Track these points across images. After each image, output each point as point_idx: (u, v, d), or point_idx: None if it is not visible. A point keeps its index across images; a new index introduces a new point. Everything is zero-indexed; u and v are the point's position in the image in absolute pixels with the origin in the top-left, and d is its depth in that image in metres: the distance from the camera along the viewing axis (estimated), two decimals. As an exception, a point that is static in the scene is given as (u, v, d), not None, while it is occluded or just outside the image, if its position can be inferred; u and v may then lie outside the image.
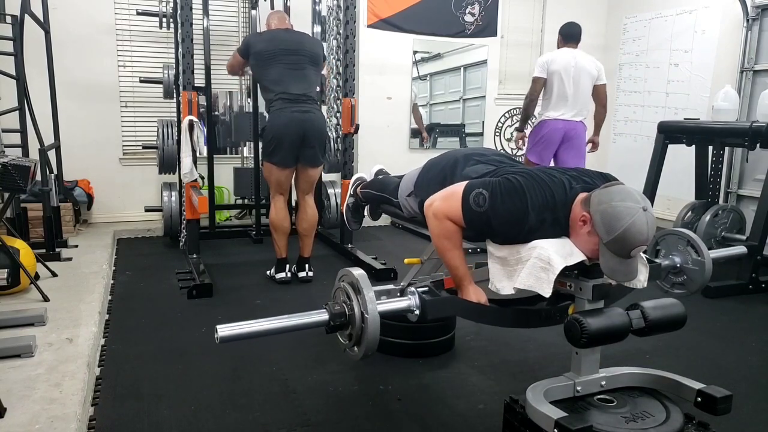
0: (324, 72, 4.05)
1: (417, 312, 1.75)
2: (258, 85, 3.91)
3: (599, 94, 4.30)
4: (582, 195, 1.73)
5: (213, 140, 4.74)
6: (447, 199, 1.84)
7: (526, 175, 1.79)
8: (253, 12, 4.93)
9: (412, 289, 1.78)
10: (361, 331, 1.59)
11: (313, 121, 3.48)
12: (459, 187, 1.83)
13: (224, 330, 1.51)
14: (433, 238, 1.90)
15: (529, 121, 4.46)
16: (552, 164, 4.35)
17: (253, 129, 4.79)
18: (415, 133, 5.92)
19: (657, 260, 2.13)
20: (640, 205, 1.60)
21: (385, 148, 5.60)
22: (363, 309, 1.58)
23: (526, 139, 4.53)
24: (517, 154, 6.27)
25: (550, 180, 1.77)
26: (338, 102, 4.38)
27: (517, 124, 6.15)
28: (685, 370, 1.97)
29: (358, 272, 1.63)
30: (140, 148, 5.00)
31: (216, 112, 4.97)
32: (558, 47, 4.34)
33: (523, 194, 1.72)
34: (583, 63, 4.22)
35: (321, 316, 1.64)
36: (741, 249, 2.44)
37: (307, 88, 3.50)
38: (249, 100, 5.03)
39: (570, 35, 4.28)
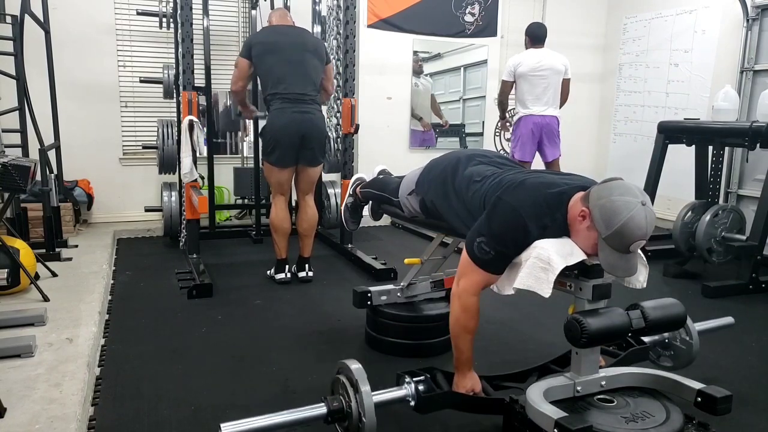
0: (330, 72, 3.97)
1: (412, 403, 1.83)
2: (258, 80, 3.87)
3: (563, 88, 4.70)
4: (580, 193, 1.73)
5: (212, 137, 4.74)
6: (466, 275, 1.85)
7: (508, 187, 1.81)
8: (253, 12, 4.93)
9: (408, 379, 1.85)
10: (358, 428, 1.68)
11: (312, 121, 3.47)
12: (464, 257, 1.85)
13: (228, 429, 1.60)
14: (451, 322, 1.92)
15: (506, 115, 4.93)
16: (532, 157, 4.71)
17: (254, 131, 4.79)
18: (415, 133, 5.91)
19: (646, 340, 2.20)
20: (639, 199, 1.60)
21: (385, 148, 5.59)
22: (361, 408, 1.66)
23: (509, 125, 4.97)
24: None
25: (538, 181, 1.79)
26: (338, 102, 4.39)
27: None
28: (685, 370, 1.97)
29: (354, 366, 1.72)
30: (140, 148, 5.00)
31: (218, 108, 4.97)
32: (526, 48, 4.65)
33: (513, 209, 1.74)
34: (551, 61, 4.57)
35: (319, 410, 1.72)
36: (728, 320, 2.51)
37: (307, 87, 3.48)
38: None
39: (536, 37, 4.61)
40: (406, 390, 1.82)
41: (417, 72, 5.79)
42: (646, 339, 2.18)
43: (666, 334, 2.22)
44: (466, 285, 1.84)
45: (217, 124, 5.29)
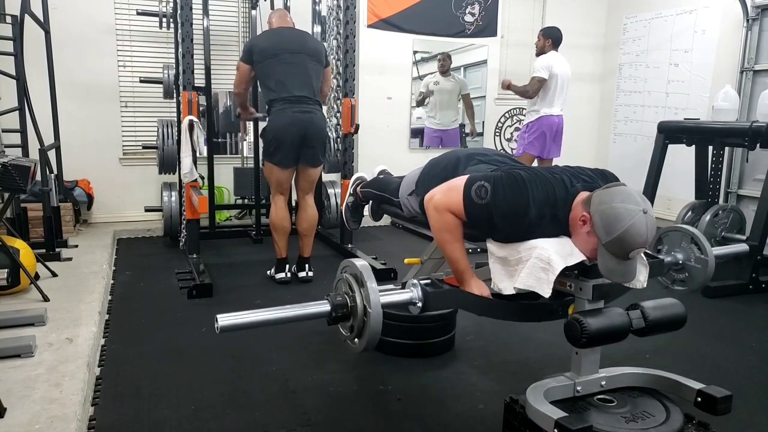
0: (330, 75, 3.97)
1: (419, 304, 1.73)
2: (258, 83, 3.89)
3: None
4: (583, 194, 1.73)
5: (212, 137, 4.74)
6: (448, 192, 1.84)
7: (528, 171, 1.80)
8: (253, 12, 4.93)
9: (414, 281, 1.76)
10: (363, 324, 1.57)
11: (313, 121, 3.48)
12: (460, 180, 1.83)
13: (224, 319, 1.49)
14: (433, 231, 1.89)
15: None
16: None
17: (254, 131, 4.78)
18: (415, 134, 5.92)
19: (660, 256, 2.12)
20: (641, 207, 1.60)
21: (385, 148, 5.60)
22: (366, 301, 1.55)
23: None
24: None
25: (551, 177, 1.78)
26: (338, 102, 4.39)
27: (517, 124, 6.18)
28: (685, 370, 1.97)
29: (360, 263, 1.61)
30: (140, 148, 5.00)
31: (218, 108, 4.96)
32: (545, 50, 4.75)
33: (525, 188, 1.72)
34: (567, 65, 4.80)
35: (323, 307, 1.61)
36: (743, 247, 2.43)
37: (308, 90, 3.48)
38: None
39: (558, 40, 4.78)
40: (413, 292, 1.73)
41: (443, 71, 5.86)
42: (661, 257, 2.09)
43: (680, 255, 2.12)
44: (443, 201, 1.82)
45: (217, 124, 5.30)
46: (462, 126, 6.03)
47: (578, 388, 1.77)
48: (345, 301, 1.61)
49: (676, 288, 2.17)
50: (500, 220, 1.74)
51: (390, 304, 1.68)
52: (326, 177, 4.94)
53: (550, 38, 4.73)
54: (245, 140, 5.42)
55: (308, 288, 3.61)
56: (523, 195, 1.71)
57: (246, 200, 5.32)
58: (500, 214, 1.73)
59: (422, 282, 1.76)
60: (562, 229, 1.75)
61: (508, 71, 6.19)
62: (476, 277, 1.88)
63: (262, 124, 3.89)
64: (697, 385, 1.76)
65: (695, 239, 2.06)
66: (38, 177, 3.47)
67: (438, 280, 1.85)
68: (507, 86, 4.82)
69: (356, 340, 1.61)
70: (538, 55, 4.78)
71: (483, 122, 6.13)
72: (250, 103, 4.12)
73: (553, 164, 4.68)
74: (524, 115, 4.87)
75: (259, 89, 3.85)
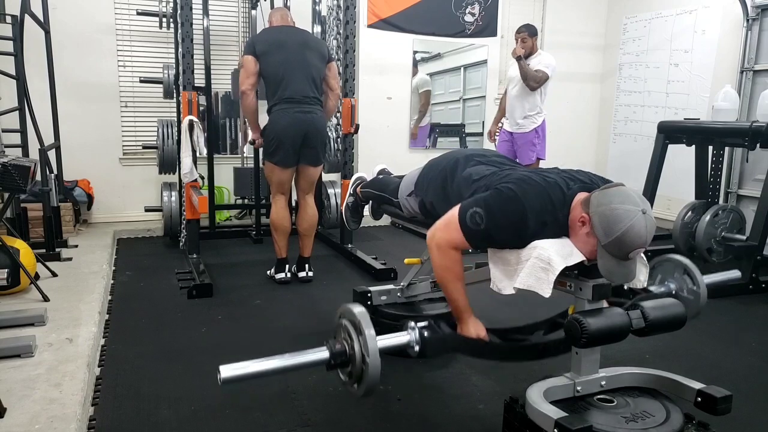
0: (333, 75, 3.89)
1: (417, 348, 1.76)
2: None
3: None
4: (582, 195, 1.73)
5: (212, 137, 4.74)
6: (446, 228, 1.84)
7: (519, 181, 1.79)
8: (253, 12, 4.94)
9: (413, 324, 1.79)
10: (361, 371, 1.61)
11: (314, 121, 3.47)
12: (454, 213, 1.83)
13: (227, 371, 1.52)
14: (435, 270, 1.90)
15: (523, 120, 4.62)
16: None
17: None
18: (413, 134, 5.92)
19: (652, 288, 2.13)
20: (640, 207, 1.60)
21: (385, 148, 5.60)
22: (364, 350, 1.59)
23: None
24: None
25: (544, 182, 1.78)
26: (338, 102, 4.38)
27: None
28: (685, 370, 1.97)
29: (358, 310, 1.64)
30: (140, 148, 5.00)
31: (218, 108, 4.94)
32: (534, 50, 4.49)
33: (518, 201, 1.72)
34: None
35: (322, 354, 1.65)
36: (735, 273, 2.48)
37: (310, 88, 3.47)
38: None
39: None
40: (410, 335, 1.74)
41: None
42: (652, 288, 2.11)
43: (672, 285, 2.13)
44: (444, 238, 1.83)
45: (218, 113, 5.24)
46: (436, 126, 6.01)
47: (578, 388, 1.77)
48: (344, 348, 1.65)
49: None
50: (502, 238, 1.75)
51: (388, 349, 1.72)
52: (326, 177, 4.94)
53: (536, 36, 4.49)
54: (247, 145, 5.38)
55: (308, 288, 3.61)
56: (518, 210, 1.71)
57: (246, 200, 5.32)
58: (501, 233, 1.74)
59: (420, 326, 1.78)
60: (562, 230, 1.75)
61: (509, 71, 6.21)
62: (474, 317, 1.90)
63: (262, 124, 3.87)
64: (697, 385, 1.76)
65: (688, 270, 2.06)
66: (38, 177, 3.47)
67: (436, 323, 1.88)
68: (518, 57, 4.41)
69: (355, 385, 1.64)
70: (527, 56, 4.43)
71: (483, 122, 6.12)
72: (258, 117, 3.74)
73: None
74: (526, 119, 4.55)
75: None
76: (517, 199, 1.72)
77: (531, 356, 1.91)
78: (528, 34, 4.40)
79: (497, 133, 4.87)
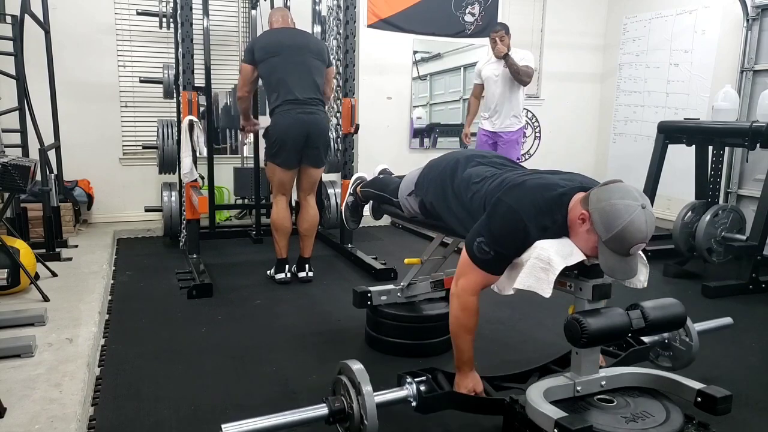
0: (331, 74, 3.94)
1: (414, 403, 1.81)
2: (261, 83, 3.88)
3: None
4: (580, 194, 1.73)
5: (212, 137, 4.73)
6: (464, 275, 1.85)
7: (514, 189, 1.80)
8: (253, 12, 4.93)
9: (410, 380, 1.83)
10: (359, 430, 1.67)
11: (317, 122, 3.47)
12: (463, 255, 1.85)
13: (229, 429, 1.57)
14: (450, 321, 1.92)
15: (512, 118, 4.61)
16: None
17: (253, 138, 4.78)
18: (415, 133, 5.92)
19: (646, 340, 2.19)
20: (639, 202, 1.60)
21: (385, 148, 5.60)
22: (362, 410, 1.65)
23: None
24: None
25: (540, 185, 1.79)
26: (338, 102, 4.38)
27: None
28: (685, 370, 1.97)
29: (356, 367, 1.70)
30: (140, 148, 5.00)
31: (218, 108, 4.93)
32: (512, 46, 4.43)
33: (515, 212, 1.73)
34: None
35: (321, 411, 1.71)
36: (727, 321, 2.51)
37: (312, 90, 3.48)
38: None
39: None
40: (408, 390, 1.82)
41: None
42: (646, 339, 2.18)
43: (666, 335, 2.22)
44: (465, 285, 1.84)
45: (217, 121, 5.24)
46: (435, 126, 5.98)
47: (578, 388, 1.77)
48: (342, 406, 1.72)
49: (663, 365, 2.26)
50: (511, 252, 1.77)
51: (385, 403, 1.78)
52: (326, 177, 4.93)
53: (509, 34, 4.41)
54: (246, 144, 5.40)
55: (308, 288, 3.61)
56: (516, 220, 1.73)
57: (246, 200, 5.32)
58: (508, 249, 1.76)
59: (417, 380, 1.83)
60: (562, 230, 1.75)
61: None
62: (474, 371, 1.94)
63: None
64: (697, 385, 1.76)
65: None
66: (38, 177, 3.47)
67: (434, 377, 1.91)
68: (506, 55, 4.33)
69: None
70: (505, 55, 4.33)
71: (483, 122, 6.12)
72: (251, 111, 3.99)
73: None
74: (512, 118, 4.51)
75: (261, 89, 3.83)
76: (512, 210, 1.74)
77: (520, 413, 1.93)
78: (505, 32, 4.39)
79: (471, 135, 4.85)
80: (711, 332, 2.42)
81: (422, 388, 1.83)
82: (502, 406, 1.85)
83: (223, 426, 1.58)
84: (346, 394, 1.72)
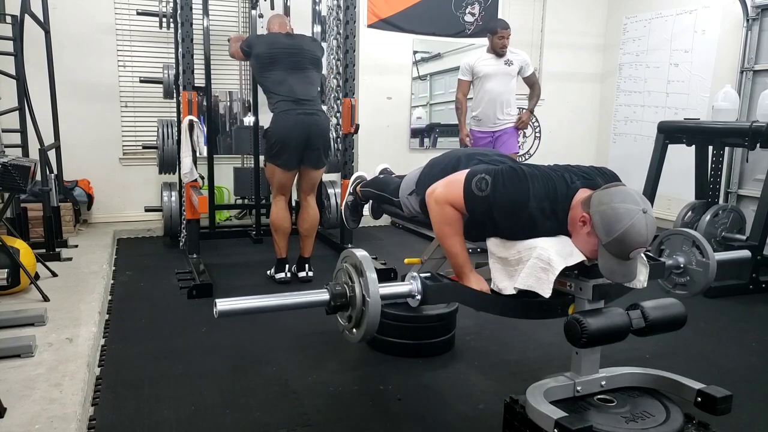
0: (324, 72, 4.04)
1: (418, 297, 1.73)
2: (259, 87, 3.90)
3: None
4: (582, 193, 1.73)
5: (213, 142, 4.73)
6: (449, 185, 1.85)
7: (530, 166, 1.82)
8: (253, 12, 4.93)
9: (414, 273, 1.76)
10: (361, 314, 1.58)
11: (317, 123, 3.48)
12: (461, 174, 1.84)
13: (223, 304, 1.48)
14: (433, 224, 1.91)
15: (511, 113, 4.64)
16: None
17: (254, 131, 4.79)
18: (415, 133, 5.92)
19: (661, 259, 2.11)
20: (640, 207, 1.60)
21: (385, 148, 5.60)
22: (365, 291, 1.56)
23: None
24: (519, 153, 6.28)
25: (552, 173, 1.80)
26: (338, 102, 4.38)
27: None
28: (685, 370, 1.97)
29: (360, 253, 1.62)
30: (140, 148, 5.00)
31: (218, 108, 4.94)
32: (509, 45, 4.48)
33: (526, 181, 1.74)
34: None
35: (322, 295, 1.61)
36: (745, 253, 2.41)
37: (310, 91, 3.50)
38: (250, 113, 5.02)
39: None
40: (412, 285, 1.73)
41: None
42: (662, 260, 2.09)
43: (681, 259, 2.11)
44: (444, 194, 1.84)
45: (235, 147, 5.33)
46: (435, 126, 5.93)
47: (578, 388, 1.77)
48: (344, 290, 1.61)
49: (677, 292, 2.15)
50: (500, 213, 1.75)
51: (389, 296, 1.68)
52: (326, 177, 4.93)
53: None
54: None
55: (308, 288, 3.60)
56: (523, 188, 1.73)
57: (246, 200, 5.32)
58: (500, 206, 1.74)
59: (422, 275, 1.76)
60: (560, 225, 1.75)
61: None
62: (475, 272, 1.89)
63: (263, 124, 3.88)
64: (697, 385, 1.76)
65: (697, 243, 2.05)
66: (38, 177, 3.47)
67: (438, 274, 1.86)
68: (526, 122, 4.63)
69: (354, 330, 1.62)
70: (503, 52, 4.43)
71: (483, 122, 6.12)
72: (251, 105, 4.07)
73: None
74: (509, 115, 4.58)
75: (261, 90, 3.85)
76: (524, 178, 1.74)
77: (533, 313, 1.89)
78: (510, 31, 4.44)
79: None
80: (728, 263, 2.27)
81: (427, 282, 1.76)
82: (507, 304, 1.80)
83: (216, 300, 1.49)
84: (348, 280, 1.63)
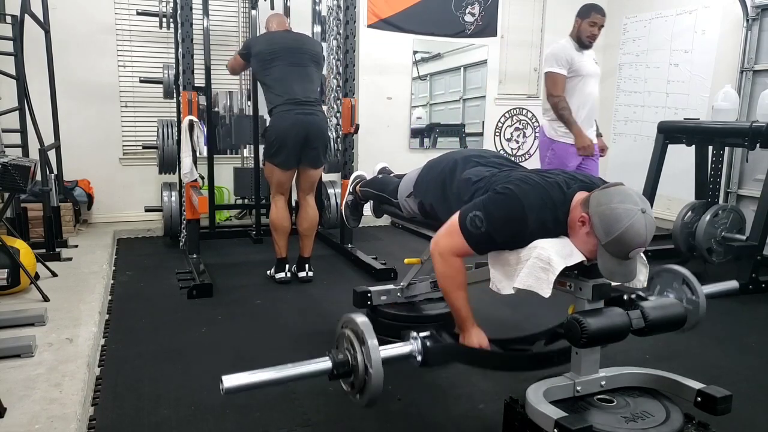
0: (324, 72, 4.05)
1: (419, 358, 1.76)
2: (259, 85, 3.90)
3: None
4: (581, 195, 1.73)
5: (213, 141, 4.73)
6: (448, 235, 1.85)
7: (518, 181, 1.79)
8: (253, 12, 4.93)
9: (415, 334, 1.79)
10: (364, 382, 1.61)
11: (316, 122, 3.49)
12: (455, 219, 1.84)
13: (230, 380, 1.49)
14: (438, 278, 1.91)
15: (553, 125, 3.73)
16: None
17: (254, 131, 4.78)
18: (415, 133, 5.92)
19: (652, 297, 2.13)
20: (639, 206, 1.60)
21: (385, 149, 5.59)
22: (367, 360, 1.59)
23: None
24: (517, 154, 6.28)
25: (543, 181, 1.79)
26: (338, 102, 4.39)
27: (517, 124, 6.11)
28: (685, 370, 1.97)
29: (360, 320, 1.64)
30: (140, 148, 5.00)
31: (216, 108, 4.94)
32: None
33: (517, 199, 1.73)
34: None
35: (324, 364, 1.64)
36: (733, 284, 2.42)
37: (310, 90, 3.50)
38: (249, 102, 5.02)
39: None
40: (413, 345, 1.75)
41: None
42: (651, 299, 2.07)
43: (671, 295, 2.08)
44: (447, 245, 1.84)
45: (235, 137, 5.19)
46: (435, 126, 5.98)
47: (578, 388, 1.77)
48: (346, 359, 1.64)
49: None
50: (503, 239, 1.76)
51: (390, 359, 1.72)
52: (326, 177, 4.94)
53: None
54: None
55: (308, 288, 3.61)
56: (517, 208, 1.72)
57: (246, 200, 5.32)
58: (501, 234, 1.75)
59: (422, 335, 1.78)
60: (564, 229, 1.75)
61: (508, 71, 6.20)
62: (477, 326, 1.91)
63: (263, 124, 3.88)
64: (697, 385, 1.76)
65: (687, 281, 2.04)
66: (38, 177, 3.47)
67: (438, 332, 1.87)
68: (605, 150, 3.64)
69: (358, 395, 1.64)
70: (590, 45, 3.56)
71: (483, 122, 6.13)
72: (250, 97, 4.07)
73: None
74: (527, 118, 4.03)
75: (260, 92, 3.85)
76: (515, 197, 1.73)
77: (532, 366, 1.92)
78: (605, 18, 3.57)
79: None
80: (717, 296, 2.29)
81: (427, 342, 1.76)
82: (507, 360, 1.82)
83: (223, 377, 1.49)
84: (350, 347, 1.65)
